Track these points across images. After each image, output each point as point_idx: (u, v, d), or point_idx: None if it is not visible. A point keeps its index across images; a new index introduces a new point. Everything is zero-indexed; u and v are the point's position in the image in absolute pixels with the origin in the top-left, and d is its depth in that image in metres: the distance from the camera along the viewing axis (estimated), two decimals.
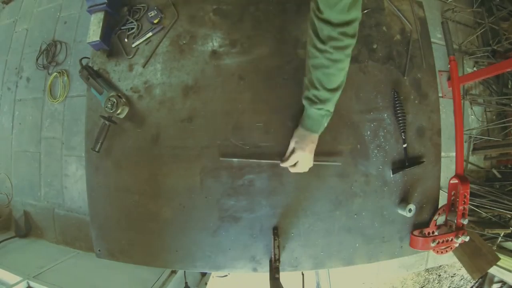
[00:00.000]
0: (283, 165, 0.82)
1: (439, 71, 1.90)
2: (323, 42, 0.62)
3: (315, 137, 0.77)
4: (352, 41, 0.62)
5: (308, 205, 0.87)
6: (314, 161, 0.82)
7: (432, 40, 1.01)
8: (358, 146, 0.89)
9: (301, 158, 0.78)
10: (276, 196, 0.87)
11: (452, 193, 0.91)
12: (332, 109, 0.73)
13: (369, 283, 2.02)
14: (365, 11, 0.94)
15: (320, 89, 0.67)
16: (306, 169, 0.81)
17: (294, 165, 0.80)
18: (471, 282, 2.21)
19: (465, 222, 0.86)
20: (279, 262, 0.80)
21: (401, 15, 0.97)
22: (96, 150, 0.85)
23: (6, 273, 1.33)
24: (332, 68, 0.64)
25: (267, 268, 0.86)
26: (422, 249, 0.89)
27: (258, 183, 0.86)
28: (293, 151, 0.79)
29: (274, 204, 0.87)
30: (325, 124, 0.76)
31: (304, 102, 0.74)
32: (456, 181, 0.89)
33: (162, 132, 0.88)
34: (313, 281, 1.73)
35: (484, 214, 1.82)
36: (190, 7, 0.92)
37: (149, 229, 0.89)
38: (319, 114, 0.72)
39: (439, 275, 2.16)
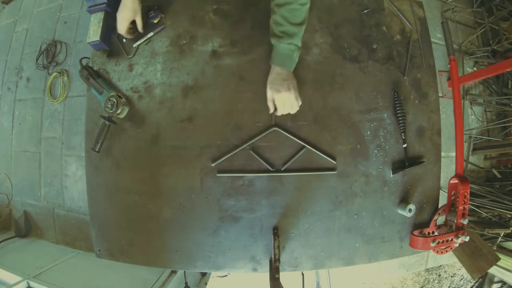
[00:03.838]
0: (278, 114, 0.81)
1: (439, 71, 1.90)
2: None
3: (289, 73, 0.78)
4: None
5: (308, 205, 0.87)
6: (310, 172, 0.85)
7: (432, 40, 1.01)
8: (358, 146, 0.89)
9: (283, 100, 0.77)
10: (276, 196, 0.87)
11: (452, 193, 0.91)
12: (299, 44, 0.76)
13: (369, 283, 2.02)
14: (365, 11, 0.94)
15: (286, 24, 0.72)
16: (293, 109, 0.80)
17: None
18: (471, 282, 2.21)
19: (465, 222, 0.86)
20: (279, 262, 0.80)
21: (401, 15, 0.97)
22: (96, 150, 0.85)
23: (6, 273, 1.33)
24: (295, 4, 0.70)
25: (267, 268, 0.86)
26: (422, 249, 0.89)
27: (258, 183, 0.86)
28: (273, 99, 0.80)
29: (274, 204, 0.87)
30: (296, 59, 0.78)
31: (273, 40, 0.77)
32: (456, 181, 0.89)
33: (162, 132, 0.88)
34: (313, 281, 1.73)
35: (484, 214, 1.82)
36: (190, 7, 0.92)
37: (149, 229, 0.89)
38: (289, 49, 0.75)
39: (439, 275, 2.16)
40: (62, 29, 1.97)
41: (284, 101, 0.78)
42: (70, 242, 1.83)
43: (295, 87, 0.79)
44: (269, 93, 0.79)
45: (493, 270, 1.83)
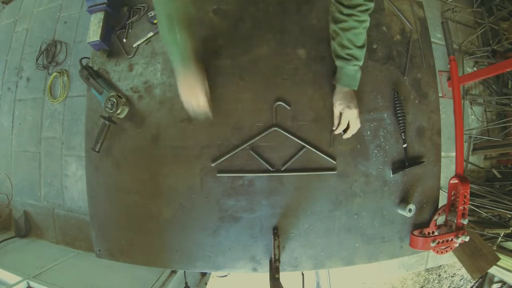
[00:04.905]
0: (337, 132, 0.85)
1: (439, 71, 1.90)
2: (350, 7, 0.72)
3: (354, 92, 0.83)
4: (373, 4, 0.74)
5: (308, 205, 0.87)
6: (310, 172, 0.86)
7: (432, 40, 1.01)
8: (358, 146, 0.89)
9: (351, 116, 0.81)
10: (276, 196, 0.87)
11: (452, 193, 0.91)
12: (362, 64, 0.81)
13: (369, 283, 2.02)
14: None
15: (353, 48, 0.77)
16: (359, 125, 0.83)
17: (345, 130, 0.84)
18: (471, 282, 2.21)
19: (465, 222, 0.86)
20: (279, 262, 0.80)
21: (401, 15, 0.97)
22: (96, 150, 0.85)
23: (6, 273, 1.33)
24: (360, 28, 0.75)
25: (267, 268, 0.86)
26: (422, 249, 0.89)
27: (258, 183, 0.86)
28: (340, 115, 0.83)
29: (274, 204, 0.87)
30: (359, 78, 0.82)
31: (339, 62, 0.81)
32: (456, 181, 0.89)
33: (162, 132, 0.88)
34: (313, 281, 1.73)
35: (484, 214, 1.82)
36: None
37: (149, 229, 0.89)
38: (354, 70, 0.80)
39: (439, 275, 2.16)
40: (62, 29, 1.97)
41: (352, 117, 0.81)
42: (70, 242, 1.83)
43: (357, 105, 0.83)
44: (338, 109, 0.82)
45: (493, 270, 1.83)
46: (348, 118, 0.82)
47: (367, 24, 0.75)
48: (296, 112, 0.87)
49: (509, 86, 2.02)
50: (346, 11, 0.72)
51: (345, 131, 0.85)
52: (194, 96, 0.76)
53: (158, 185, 0.88)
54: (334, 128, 0.86)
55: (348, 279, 1.96)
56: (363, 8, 0.71)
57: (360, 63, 0.79)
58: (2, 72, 2.12)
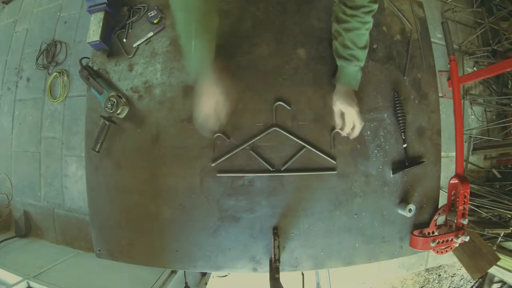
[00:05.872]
0: (344, 133, 0.83)
1: (439, 71, 1.90)
2: (353, 9, 0.72)
3: (354, 92, 0.83)
4: (376, 6, 0.73)
5: (308, 205, 0.87)
6: (310, 172, 0.86)
7: (432, 40, 1.01)
8: (358, 146, 0.89)
9: (354, 115, 0.80)
10: (276, 196, 0.87)
11: (452, 193, 0.91)
12: (363, 64, 0.81)
13: (369, 283, 2.02)
14: None
15: (355, 48, 0.77)
16: (362, 123, 0.81)
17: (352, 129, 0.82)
18: (471, 282, 2.21)
19: (465, 222, 0.86)
20: (279, 262, 0.80)
21: (401, 15, 0.97)
22: (96, 150, 0.85)
23: (6, 273, 1.33)
24: (362, 29, 0.75)
25: (267, 268, 0.86)
26: (422, 249, 0.89)
27: (258, 183, 0.86)
28: (342, 115, 0.82)
29: (274, 204, 0.87)
30: (360, 79, 0.82)
31: (340, 62, 0.81)
32: (456, 181, 0.89)
33: (162, 132, 0.88)
34: (313, 281, 1.73)
35: (484, 214, 1.82)
36: None
37: (149, 229, 0.89)
38: (355, 70, 0.80)
39: (439, 275, 2.16)
40: (62, 29, 1.97)
41: (353, 115, 0.80)
42: (70, 242, 1.83)
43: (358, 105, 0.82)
44: (339, 108, 0.81)
45: (493, 270, 1.83)
46: (351, 116, 0.81)
47: (370, 25, 0.75)
48: (296, 112, 0.87)
49: (509, 86, 2.02)
50: (349, 12, 0.72)
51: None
52: (206, 107, 0.70)
53: (158, 185, 0.88)
54: (338, 129, 0.85)
55: (348, 279, 1.96)
56: (367, 9, 0.71)
57: (361, 63, 0.79)
58: (2, 72, 2.11)
